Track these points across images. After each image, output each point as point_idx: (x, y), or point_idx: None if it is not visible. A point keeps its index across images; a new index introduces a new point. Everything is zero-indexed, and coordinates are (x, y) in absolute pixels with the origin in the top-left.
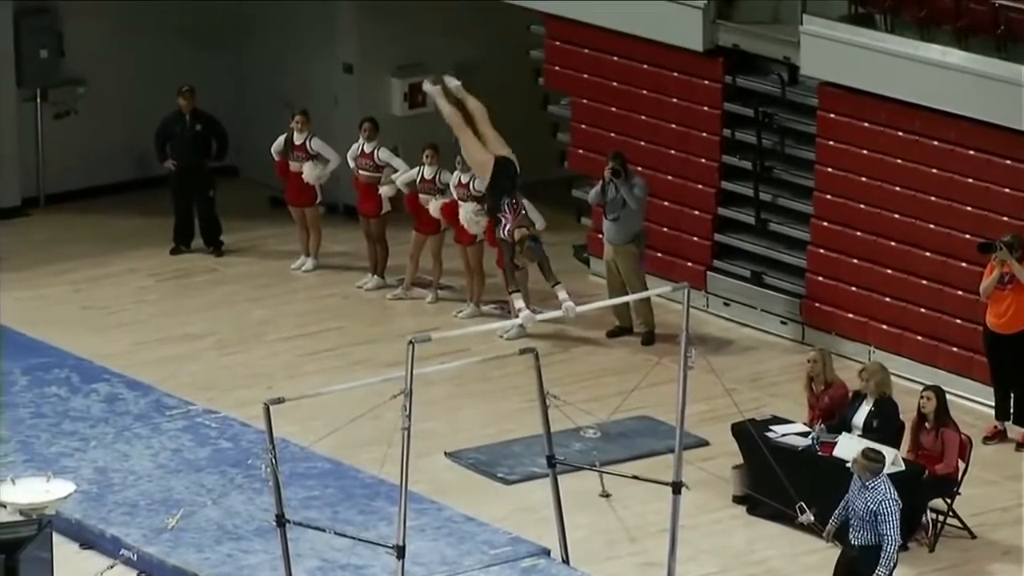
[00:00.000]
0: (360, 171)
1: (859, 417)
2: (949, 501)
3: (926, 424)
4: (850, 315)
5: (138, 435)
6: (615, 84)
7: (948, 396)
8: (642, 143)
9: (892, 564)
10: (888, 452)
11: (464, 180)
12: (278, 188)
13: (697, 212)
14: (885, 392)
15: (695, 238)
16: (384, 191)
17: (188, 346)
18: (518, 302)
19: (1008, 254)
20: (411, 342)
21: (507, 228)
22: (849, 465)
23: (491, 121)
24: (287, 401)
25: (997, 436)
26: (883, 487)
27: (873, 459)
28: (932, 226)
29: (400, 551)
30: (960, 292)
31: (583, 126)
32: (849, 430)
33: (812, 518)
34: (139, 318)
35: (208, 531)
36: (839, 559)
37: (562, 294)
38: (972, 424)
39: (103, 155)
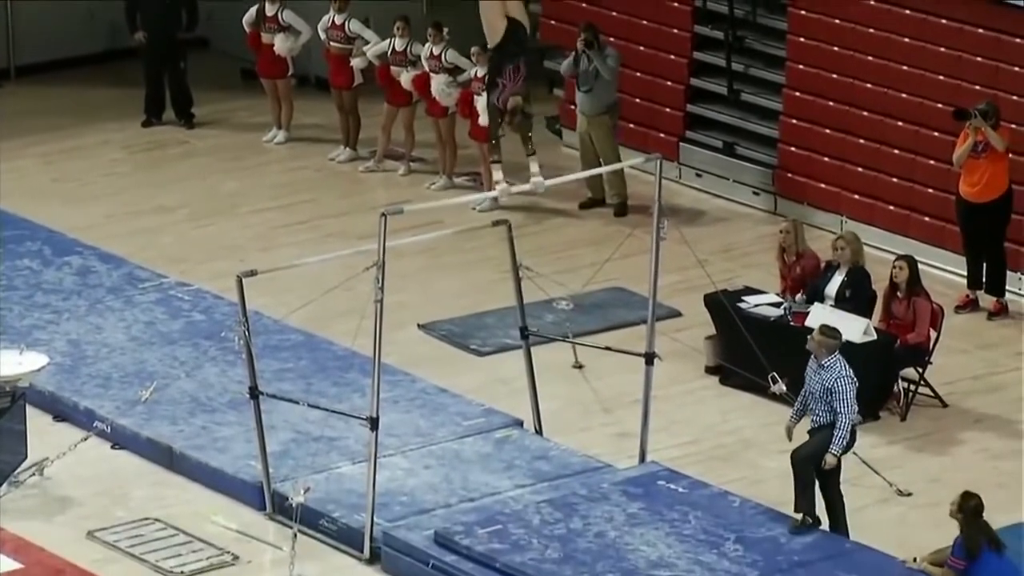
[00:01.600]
0: (331, 43)
1: (831, 287)
2: (921, 370)
3: (898, 293)
4: (822, 185)
5: (111, 308)
6: None
7: (920, 266)
8: (614, 13)
9: (845, 440)
10: (860, 321)
11: (436, 52)
12: (249, 60)
13: (669, 83)
14: (858, 262)
15: (667, 109)
16: (355, 63)
17: (160, 218)
18: (496, 173)
19: (983, 121)
20: (383, 214)
21: (502, 94)
22: (808, 345)
23: None
24: (260, 273)
25: (969, 305)
26: (839, 365)
27: (829, 335)
28: (904, 95)
29: (374, 423)
30: (932, 161)
31: None
32: (822, 300)
33: (784, 388)
34: (111, 190)
35: (182, 403)
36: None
37: (534, 167)
38: (944, 293)
39: (73, 27)
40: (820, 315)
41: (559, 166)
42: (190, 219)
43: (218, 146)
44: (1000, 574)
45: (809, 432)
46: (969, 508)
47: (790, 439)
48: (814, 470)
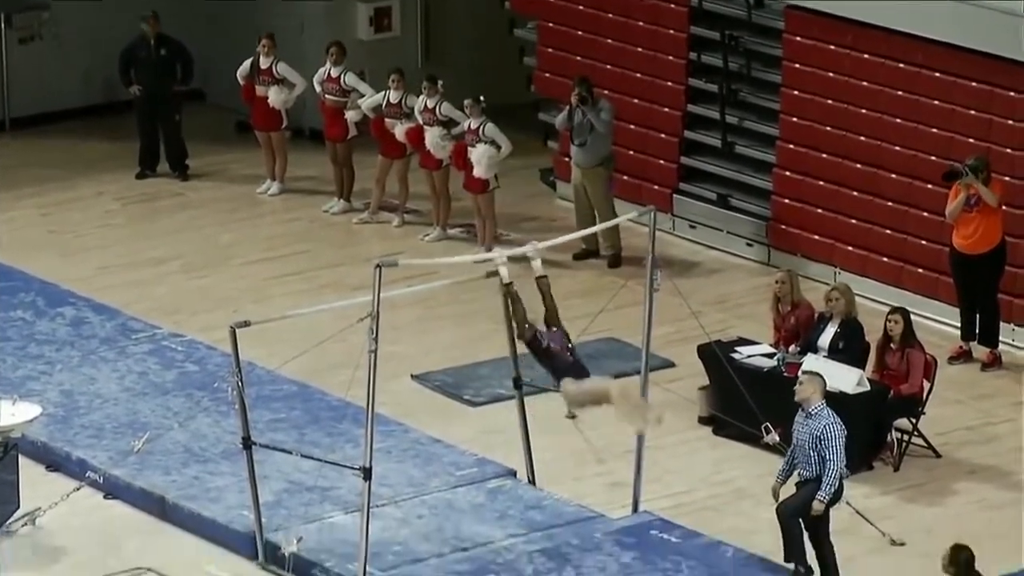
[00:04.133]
0: (326, 95)
1: (824, 339)
2: (914, 421)
3: (892, 345)
4: (816, 237)
5: (104, 358)
6: (581, 7)
7: (913, 317)
8: (608, 67)
9: (834, 488)
10: (853, 372)
11: (430, 105)
12: (244, 112)
13: (663, 135)
14: (851, 313)
15: (661, 161)
16: (350, 116)
17: (154, 270)
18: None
19: (974, 178)
20: (378, 266)
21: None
22: (796, 396)
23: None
24: (253, 324)
25: (963, 356)
26: (826, 413)
27: (812, 373)
28: (897, 148)
29: (367, 473)
30: (925, 213)
31: (549, 49)
32: (815, 352)
33: (777, 438)
34: (105, 242)
35: (175, 454)
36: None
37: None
38: (938, 345)
39: (69, 80)
40: (814, 366)
41: (554, 218)
42: (184, 270)
43: (212, 198)
44: None
45: (797, 485)
46: (961, 561)
47: (776, 500)
48: (801, 523)
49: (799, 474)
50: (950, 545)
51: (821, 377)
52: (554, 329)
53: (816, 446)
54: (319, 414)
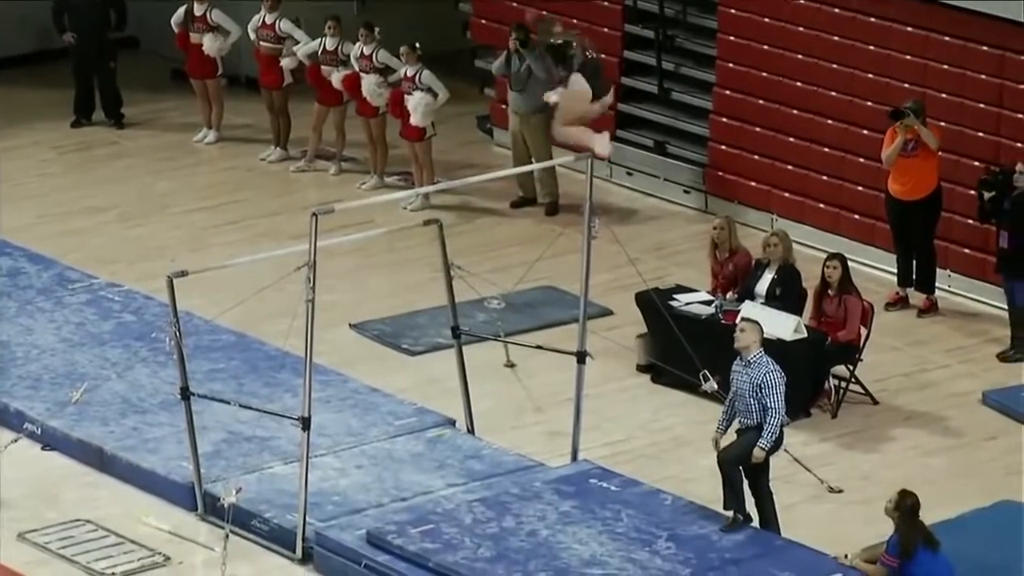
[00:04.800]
0: (261, 43)
1: (762, 285)
2: (851, 368)
3: (829, 291)
4: (753, 184)
5: (41, 309)
6: None
7: (850, 263)
8: (544, 12)
9: (775, 435)
10: (791, 319)
11: (367, 52)
12: (179, 60)
13: None
14: (788, 260)
15: None
16: (285, 63)
17: (91, 219)
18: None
19: (916, 120)
20: (314, 214)
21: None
22: (736, 343)
23: None
24: (191, 274)
25: (899, 303)
26: (765, 360)
27: (752, 320)
28: (834, 94)
29: (305, 423)
30: (862, 160)
31: None
32: (752, 298)
33: (716, 386)
34: (41, 191)
35: (113, 404)
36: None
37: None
38: (875, 291)
39: (2, 28)
40: (751, 313)
41: (491, 165)
42: (121, 220)
43: (148, 147)
44: (935, 572)
45: (737, 432)
46: (906, 507)
47: (717, 448)
48: (742, 470)
49: (739, 422)
50: (897, 490)
51: (759, 325)
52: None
53: (756, 394)
54: (257, 364)
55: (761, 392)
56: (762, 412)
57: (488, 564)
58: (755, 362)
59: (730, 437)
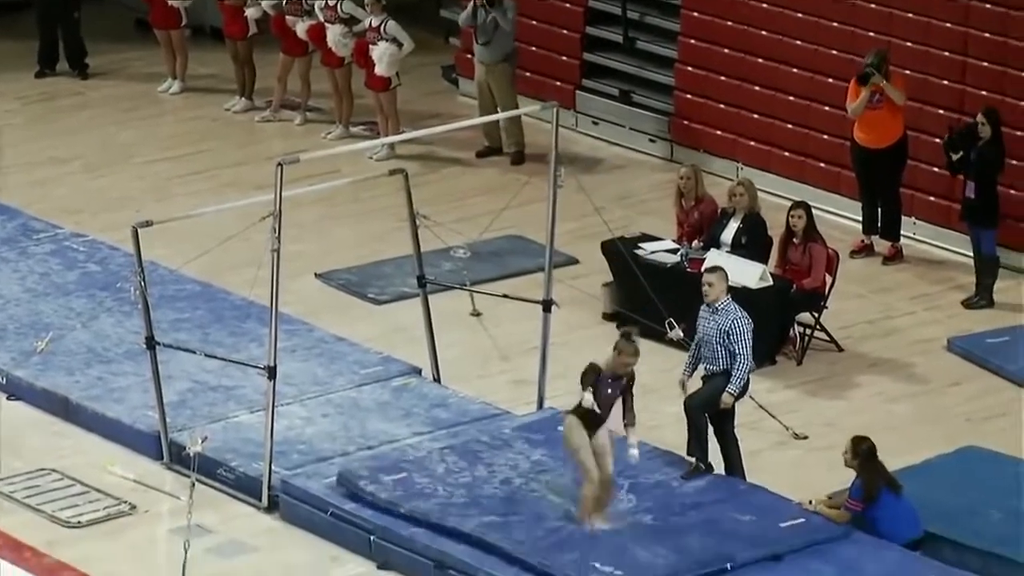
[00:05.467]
0: None
1: (727, 234)
2: (816, 315)
3: (794, 240)
4: (718, 132)
5: (5, 259)
6: None
7: (815, 211)
8: None
9: (744, 380)
10: (756, 267)
11: (331, 2)
12: (143, 10)
13: (565, 31)
14: (754, 208)
15: (564, 57)
16: (250, 13)
17: (55, 169)
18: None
19: (881, 78)
20: (280, 164)
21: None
22: (704, 290)
23: None
24: (155, 224)
25: (864, 250)
26: (733, 307)
27: (717, 269)
28: (799, 42)
29: (271, 372)
30: (827, 108)
31: None
32: (718, 247)
33: (681, 334)
34: (5, 142)
35: (78, 354)
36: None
37: (632, 438)
38: (840, 239)
39: None
40: (716, 261)
41: (456, 115)
42: (85, 170)
43: (113, 97)
44: (899, 516)
45: (703, 379)
46: (864, 452)
47: (684, 392)
48: (707, 417)
49: (705, 368)
50: (849, 438)
51: (724, 272)
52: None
53: (724, 341)
54: (223, 313)
55: (728, 339)
56: (729, 358)
57: (461, 511)
58: (723, 308)
59: (696, 383)
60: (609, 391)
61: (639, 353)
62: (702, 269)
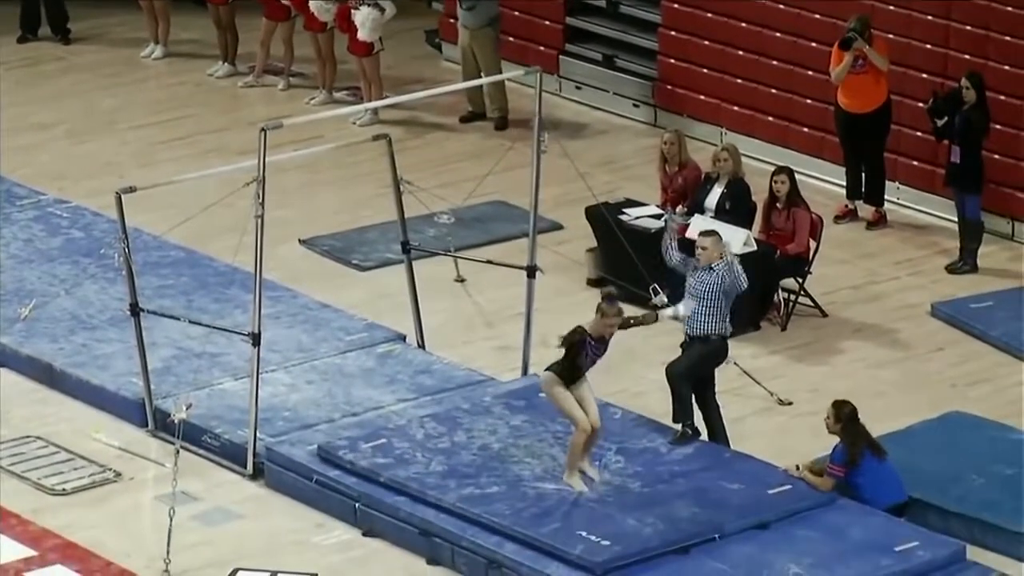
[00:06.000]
0: None
1: (711, 199)
2: (801, 280)
3: (778, 205)
4: (702, 97)
5: None
6: None
7: (799, 176)
8: None
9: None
10: (740, 232)
11: None
12: None
13: None
14: (738, 173)
15: (547, 22)
16: None
17: (38, 135)
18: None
19: (863, 43)
20: (263, 129)
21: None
22: (698, 255)
23: None
24: (139, 190)
25: (848, 215)
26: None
27: (712, 234)
28: (783, 7)
29: (255, 338)
30: (811, 72)
31: None
32: (702, 212)
33: (665, 299)
34: None
35: (62, 321)
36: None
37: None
38: (823, 204)
39: None
40: (701, 226)
41: (440, 80)
42: (68, 136)
43: (95, 62)
44: (881, 480)
45: (682, 347)
46: (846, 415)
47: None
48: (690, 383)
49: (686, 333)
50: (831, 403)
51: (718, 234)
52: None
53: (722, 299)
54: (207, 280)
55: (727, 297)
56: (721, 319)
57: (440, 479)
58: (716, 269)
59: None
60: (594, 354)
61: (622, 314)
62: (687, 235)
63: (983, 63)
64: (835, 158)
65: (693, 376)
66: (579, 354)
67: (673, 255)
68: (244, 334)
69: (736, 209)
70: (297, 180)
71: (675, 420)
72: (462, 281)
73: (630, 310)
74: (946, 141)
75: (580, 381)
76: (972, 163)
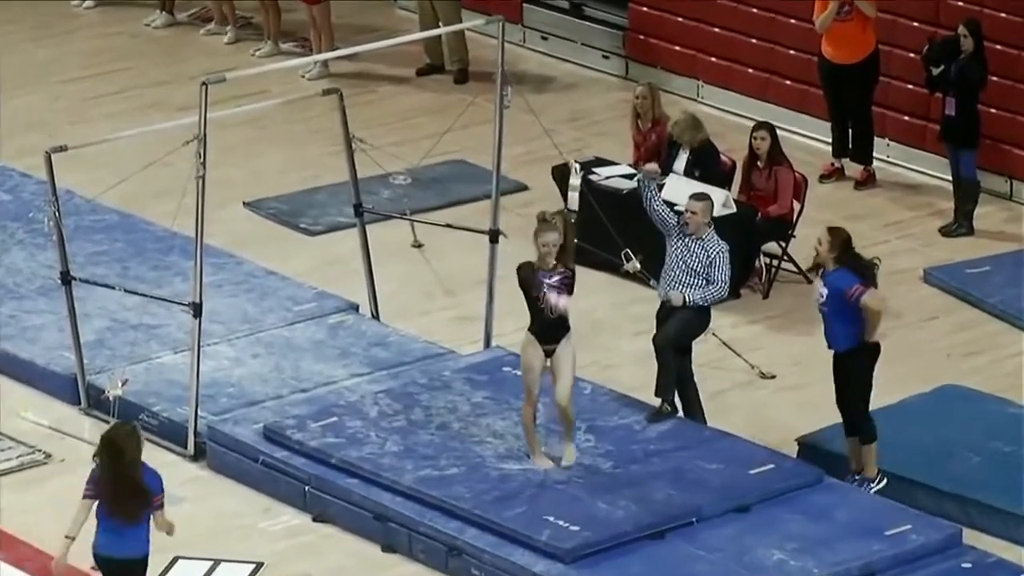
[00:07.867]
0: None
1: (678, 165)
2: (784, 244)
3: (758, 163)
4: (676, 48)
5: None
6: None
7: (781, 132)
8: None
9: (707, 302)
10: (719, 193)
11: None
12: None
13: None
14: (695, 141)
15: None
16: None
17: None
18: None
19: None
20: (204, 83)
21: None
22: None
23: None
24: (71, 149)
25: (834, 174)
26: (715, 237)
27: (702, 198)
28: None
29: (197, 309)
30: (793, 21)
31: None
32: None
33: (639, 265)
34: None
35: None
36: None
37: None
38: (807, 162)
39: None
40: (676, 186)
41: (395, 29)
42: None
43: (24, 13)
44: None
45: (657, 316)
46: (841, 242)
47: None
48: (676, 353)
49: (662, 302)
50: (825, 228)
51: (710, 200)
52: (559, 272)
53: (706, 270)
54: (144, 246)
55: (711, 267)
56: (697, 288)
57: (396, 460)
58: (707, 238)
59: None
60: (545, 289)
61: (558, 230)
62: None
63: (978, 10)
64: (820, 113)
65: (680, 343)
66: (530, 290)
67: (658, 208)
68: (184, 304)
69: (706, 176)
70: (241, 137)
71: (657, 393)
72: (419, 246)
73: (602, 279)
74: (939, 93)
75: (562, 346)
76: (968, 117)
